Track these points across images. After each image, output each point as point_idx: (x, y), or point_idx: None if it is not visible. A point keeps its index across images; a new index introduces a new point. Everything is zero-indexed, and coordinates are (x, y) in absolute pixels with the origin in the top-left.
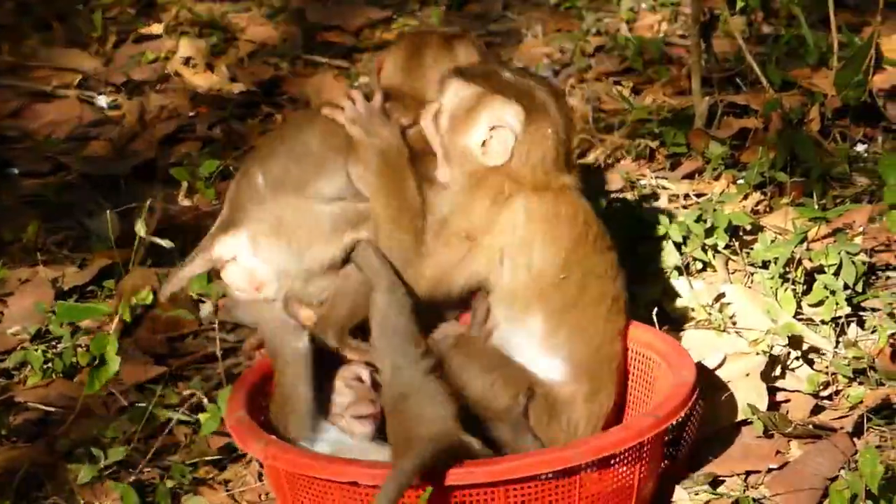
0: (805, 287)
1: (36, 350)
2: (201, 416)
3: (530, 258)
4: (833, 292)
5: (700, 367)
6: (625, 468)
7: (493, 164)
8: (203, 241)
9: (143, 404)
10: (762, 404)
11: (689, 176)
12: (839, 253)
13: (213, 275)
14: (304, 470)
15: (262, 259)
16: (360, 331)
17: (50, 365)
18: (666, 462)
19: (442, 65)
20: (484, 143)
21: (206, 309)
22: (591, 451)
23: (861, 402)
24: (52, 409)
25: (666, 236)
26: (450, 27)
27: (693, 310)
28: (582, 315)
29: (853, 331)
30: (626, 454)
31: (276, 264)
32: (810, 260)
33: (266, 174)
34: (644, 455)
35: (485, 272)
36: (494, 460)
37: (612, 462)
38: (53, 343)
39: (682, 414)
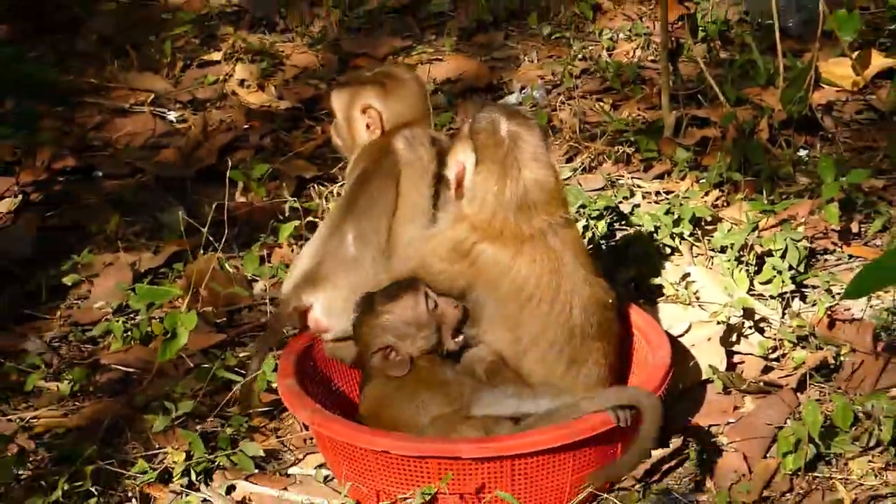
0: (756, 268)
1: (117, 321)
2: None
3: (493, 307)
4: (780, 272)
5: (670, 336)
6: (609, 440)
7: (455, 197)
8: (290, 284)
9: (208, 366)
10: (721, 366)
11: (660, 176)
12: (785, 239)
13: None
14: (344, 438)
15: (329, 319)
16: None
17: (129, 334)
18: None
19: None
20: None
21: (258, 287)
22: (580, 432)
23: (803, 363)
24: (131, 370)
25: (640, 226)
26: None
27: (663, 287)
28: (547, 368)
29: (797, 304)
30: (611, 430)
31: (340, 324)
32: (761, 245)
33: (357, 235)
34: (625, 428)
35: (458, 291)
36: (500, 438)
37: (599, 438)
38: (132, 316)
39: (660, 394)
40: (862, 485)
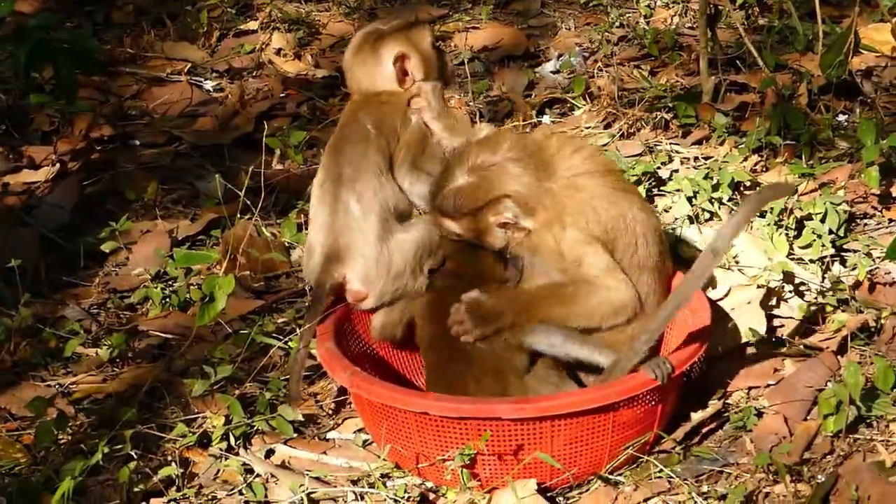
0: (796, 232)
1: (156, 288)
2: (292, 342)
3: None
4: (819, 236)
5: (710, 300)
6: (650, 401)
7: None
8: (316, 267)
9: (246, 331)
10: (761, 329)
11: (698, 142)
12: (825, 203)
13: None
14: (383, 400)
15: (367, 285)
16: None
17: (167, 300)
18: (682, 381)
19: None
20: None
21: (296, 253)
22: (618, 393)
23: (844, 326)
24: (169, 336)
25: (679, 191)
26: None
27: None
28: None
29: (837, 268)
30: (651, 391)
31: (378, 287)
32: (800, 209)
33: (357, 199)
34: (666, 390)
35: None
36: (538, 399)
37: (640, 398)
38: (170, 282)
39: (700, 356)
40: None
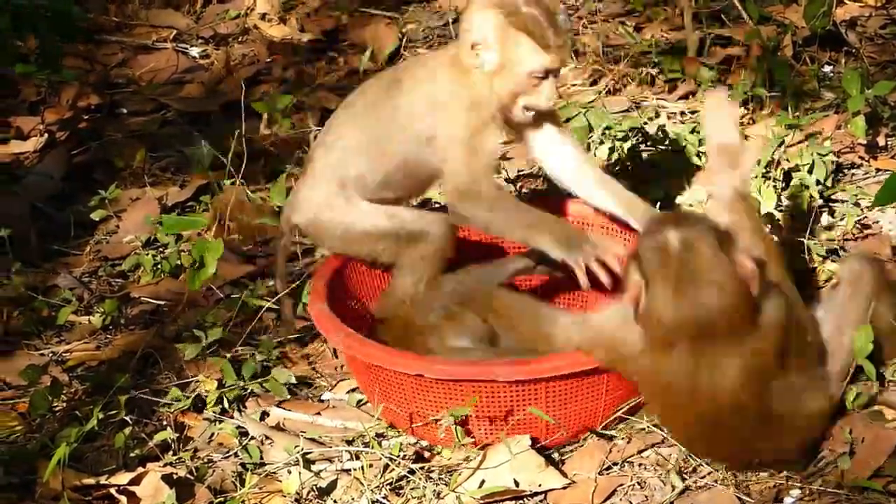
0: (784, 183)
1: (147, 255)
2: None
3: None
4: (807, 187)
5: None
6: None
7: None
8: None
9: (237, 296)
10: None
11: (684, 97)
12: (812, 154)
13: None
14: (378, 361)
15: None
16: None
17: (158, 267)
18: None
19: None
20: None
21: None
22: None
23: (833, 275)
24: (161, 302)
25: (666, 146)
26: None
27: (690, 205)
28: None
29: (825, 218)
30: None
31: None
32: (787, 161)
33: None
34: None
35: None
36: (535, 360)
37: None
38: (161, 249)
39: None
40: None
